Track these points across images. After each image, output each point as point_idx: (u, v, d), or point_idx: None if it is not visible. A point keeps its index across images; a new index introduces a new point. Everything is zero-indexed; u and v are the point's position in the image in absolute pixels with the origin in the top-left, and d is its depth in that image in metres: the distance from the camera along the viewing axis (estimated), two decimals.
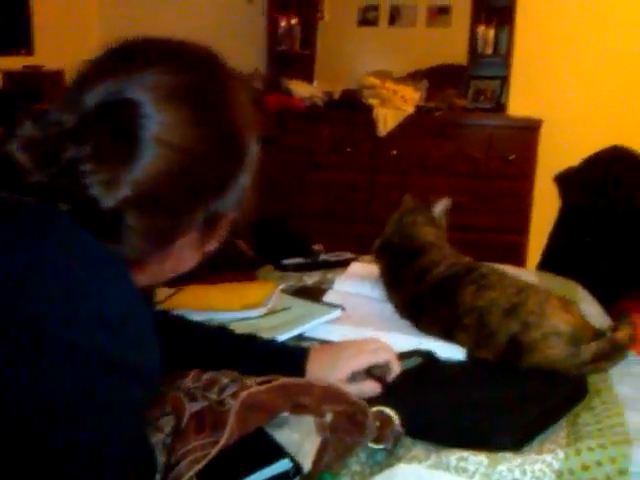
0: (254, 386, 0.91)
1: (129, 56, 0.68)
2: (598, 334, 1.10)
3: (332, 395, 0.93)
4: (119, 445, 0.64)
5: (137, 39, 0.71)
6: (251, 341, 1.10)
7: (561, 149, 3.21)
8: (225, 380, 0.93)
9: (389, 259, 1.39)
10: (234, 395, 0.89)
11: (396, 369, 1.06)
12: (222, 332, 1.12)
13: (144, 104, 0.64)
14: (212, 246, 0.78)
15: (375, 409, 0.92)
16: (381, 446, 0.90)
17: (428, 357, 1.14)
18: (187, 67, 0.69)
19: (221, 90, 0.71)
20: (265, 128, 0.78)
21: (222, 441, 0.82)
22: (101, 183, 0.61)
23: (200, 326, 1.13)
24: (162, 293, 1.27)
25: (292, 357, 1.07)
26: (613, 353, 1.10)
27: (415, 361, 1.12)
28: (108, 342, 0.60)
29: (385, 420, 0.91)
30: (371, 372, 1.05)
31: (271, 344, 1.12)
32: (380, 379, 1.04)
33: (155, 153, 0.64)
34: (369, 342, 1.10)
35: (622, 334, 1.12)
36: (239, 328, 1.19)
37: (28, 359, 0.57)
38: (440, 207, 1.44)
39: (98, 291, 0.61)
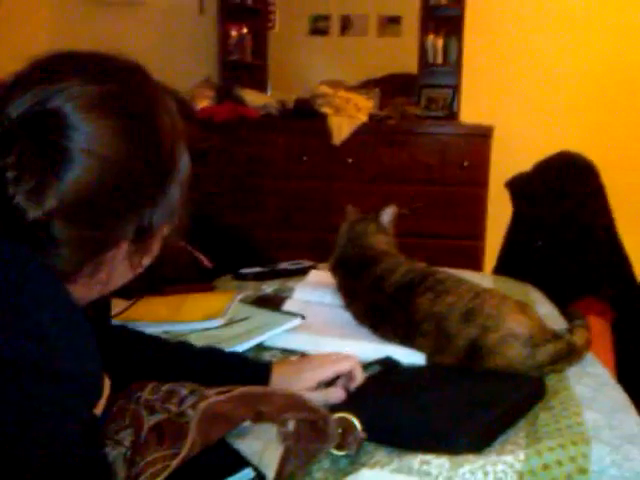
0: (213, 396, 0.90)
1: (53, 67, 0.68)
2: (556, 336, 1.12)
3: (293, 403, 0.92)
4: (65, 455, 0.63)
5: (61, 52, 0.71)
6: (213, 353, 1.09)
7: (513, 155, 3.26)
8: (184, 391, 0.91)
9: (345, 272, 1.39)
10: (194, 406, 0.88)
11: (359, 377, 1.06)
12: (182, 345, 1.11)
13: (68, 114, 0.63)
14: (147, 260, 0.77)
15: (337, 415, 0.92)
16: (344, 452, 0.90)
17: (389, 365, 1.15)
18: (110, 77, 0.69)
19: (146, 100, 0.71)
20: (201, 140, 0.78)
21: (183, 453, 0.81)
22: (26, 193, 0.61)
23: (159, 339, 1.11)
24: (118, 305, 1.24)
25: (255, 369, 1.06)
26: (570, 355, 1.12)
27: (375, 370, 1.13)
28: (40, 354, 0.59)
29: (347, 426, 0.91)
30: (334, 381, 1.06)
31: (233, 356, 1.10)
32: (344, 387, 1.04)
33: (81, 164, 0.63)
34: (331, 354, 1.10)
35: (579, 337, 1.15)
36: (198, 339, 1.18)
37: None
38: (387, 215, 1.45)
39: (31, 304, 0.60)
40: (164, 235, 0.76)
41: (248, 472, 0.83)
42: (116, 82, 0.69)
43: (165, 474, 0.78)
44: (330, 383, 1.05)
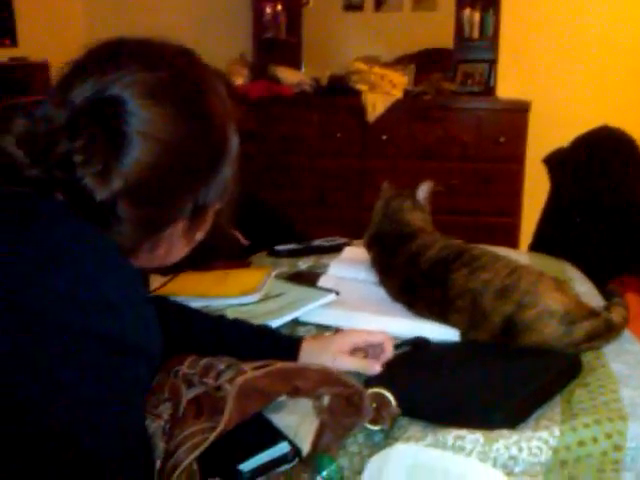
0: (250, 372, 0.91)
1: (109, 55, 0.71)
2: (593, 313, 1.11)
3: (328, 378, 0.93)
4: (133, 424, 0.68)
5: (114, 40, 0.73)
6: (244, 325, 1.11)
7: (551, 130, 3.21)
8: (221, 366, 0.93)
9: (380, 248, 1.39)
10: (231, 380, 0.89)
11: (389, 350, 1.07)
12: (218, 317, 1.13)
13: (127, 101, 0.67)
14: (200, 235, 0.81)
15: (371, 391, 0.93)
16: (378, 427, 0.91)
17: (420, 344, 1.15)
18: (162, 63, 0.72)
19: (197, 84, 0.74)
20: (245, 122, 0.81)
21: (220, 426, 0.82)
22: (94, 175, 0.64)
23: (197, 312, 1.13)
24: (156, 281, 1.27)
25: (286, 339, 1.09)
26: (607, 332, 1.11)
27: (405, 349, 1.13)
28: (114, 325, 0.63)
29: (382, 401, 0.92)
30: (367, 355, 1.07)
31: (263, 328, 1.12)
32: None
33: (141, 147, 0.67)
34: (364, 329, 1.12)
35: (616, 315, 1.13)
36: (234, 314, 1.19)
37: (38, 347, 0.60)
38: (423, 191, 1.44)
39: (101, 278, 0.64)
40: (215, 211, 0.80)
41: (284, 445, 0.85)
42: (168, 68, 0.71)
43: (203, 447, 0.80)
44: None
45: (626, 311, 1.16)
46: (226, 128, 0.76)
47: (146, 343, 0.67)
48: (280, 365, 0.93)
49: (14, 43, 3.70)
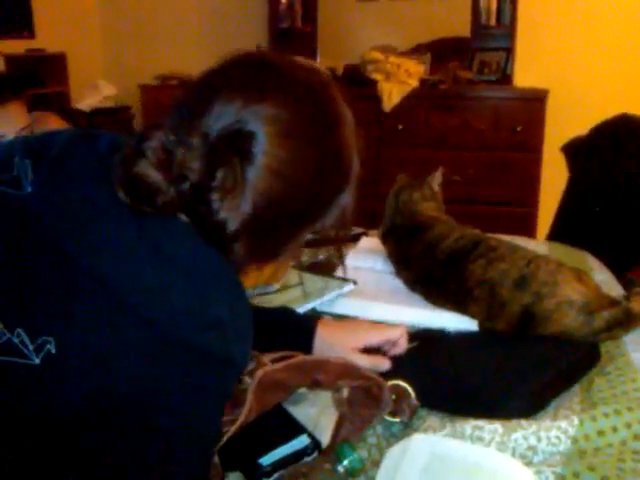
0: (270, 365, 0.92)
1: (252, 82, 0.69)
2: (612, 302, 1.11)
3: (348, 370, 0.94)
4: (215, 432, 0.73)
5: (256, 57, 0.73)
6: (267, 314, 1.10)
7: (569, 119, 3.19)
8: None
9: (395, 241, 1.39)
10: (251, 373, 0.90)
11: (403, 345, 1.06)
12: None
13: (261, 137, 0.66)
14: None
15: (390, 383, 0.93)
16: (397, 419, 0.91)
17: (433, 336, 1.15)
18: (309, 99, 0.70)
19: (336, 119, 0.73)
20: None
21: (240, 419, 0.83)
22: (228, 208, 0.65)
23: None
24: None
25: (300, 327, 1.08)
26: (627, 322, 1.10)
27: (414, 345, 1.11)
28: (222, 344, 0.66)
29: (401, 393, 0.92)
30: (381, 349, 1.06)
31: (280, 312, 1.12)
32: (387, 354, 1.05)
33: (267, 183, 0.66)
34: (381, 324, 1.13)
35: (637, 304, 1.13)
36: (252, 304, 1.19)
37: (156, 356, 0.63)
38: (436, 179, 1.44)
39: (218, 298, 0.66)
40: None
41: (304, 438, 0.85)
42: (312, 104, 0.70)
43: (224, 439, 0.81)
44: (375, 351, 1.06)
45: None
46: (353, 158, 0.75)
47: (243, 358, 0.69)
48: (300, 358, 0.93)
49: (31, 35, 3.73)
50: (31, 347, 0.61)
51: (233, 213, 0.65)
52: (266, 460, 0.82)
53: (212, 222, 0.66)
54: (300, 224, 0.74)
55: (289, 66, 0.72)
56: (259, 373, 0.88)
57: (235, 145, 0.65)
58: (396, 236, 1.39)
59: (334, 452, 0.81)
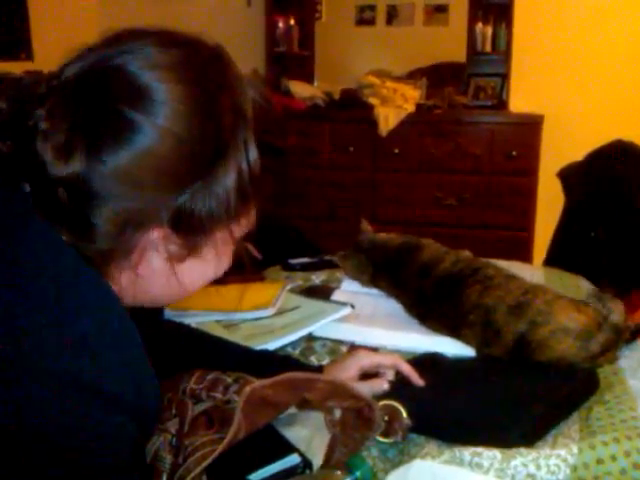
0: (257, 382, 0.91)
1: (121, 36, 0.65)
2: (600, 321, 1.09)
3: (337, 390, 0.93)
4: (105, 473, 0.59)
5: (135, 27, 0.68)
6: (269, 356, 1.09)
7: (564, 144, 3.20)
8: (229, 380, 0.93)
9: (385, 272, 1.38)
10: (239, 392, 0.89)
11: (406, 368, 1.05)
12: (226, 344, 1.10)
13: (133, 72, 0.60)
14: (222, 269, 0.74)
15: (382, 403, 0.92)
16: (390, 440, 0.90)
17: (433, 360, 1.14)
18: (180, 44, 0.66)
19: (216, 74, 0.67)
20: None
21: (228, 436, 0.82)
22: (54, 147, 0.56)
23: (207, 337, 1.11)
24: None
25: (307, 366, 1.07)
26: (618, 338, 1.10)
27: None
28: (86, 368, 0.56)
29: (393, 413, 0.92)
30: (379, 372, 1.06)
31: (285, 360, 1.10)
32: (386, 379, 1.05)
33: (146, 133, 0.58)
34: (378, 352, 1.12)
35: (616, 313, 1.11)
36: (249, 328, 1.19)
37: (7, 388, 0.54)
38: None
39: (80, 317, 0.57)
40: (224, 244, 0.70)
41: (294, 457, 0.85)
42: (184, 47, 0.65)
43: (212, 458, 0.79)
44: (374, 377, 1.05)
45: (623, 310, 1.13)
46: (236, 131, 0.64)
47: (123, 392, 0.58)
48: (289, 375, 0.92)
49: (29, 57, 3.74)
50: None
51: (59, 155, 0.56)
52: (256, 477, 0.81)
53: (39, 168, 0.56)
54: (164, 180, 0.60)
55: (176, 32, 0.68)
56: (246, 390, 0.87)
57: (85, 82, 0.59)
58: (384, 269, 1.39)
59: (345, 465, 0.80)
